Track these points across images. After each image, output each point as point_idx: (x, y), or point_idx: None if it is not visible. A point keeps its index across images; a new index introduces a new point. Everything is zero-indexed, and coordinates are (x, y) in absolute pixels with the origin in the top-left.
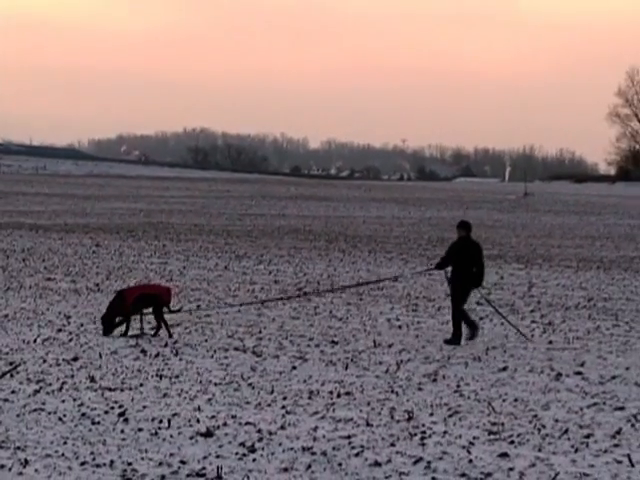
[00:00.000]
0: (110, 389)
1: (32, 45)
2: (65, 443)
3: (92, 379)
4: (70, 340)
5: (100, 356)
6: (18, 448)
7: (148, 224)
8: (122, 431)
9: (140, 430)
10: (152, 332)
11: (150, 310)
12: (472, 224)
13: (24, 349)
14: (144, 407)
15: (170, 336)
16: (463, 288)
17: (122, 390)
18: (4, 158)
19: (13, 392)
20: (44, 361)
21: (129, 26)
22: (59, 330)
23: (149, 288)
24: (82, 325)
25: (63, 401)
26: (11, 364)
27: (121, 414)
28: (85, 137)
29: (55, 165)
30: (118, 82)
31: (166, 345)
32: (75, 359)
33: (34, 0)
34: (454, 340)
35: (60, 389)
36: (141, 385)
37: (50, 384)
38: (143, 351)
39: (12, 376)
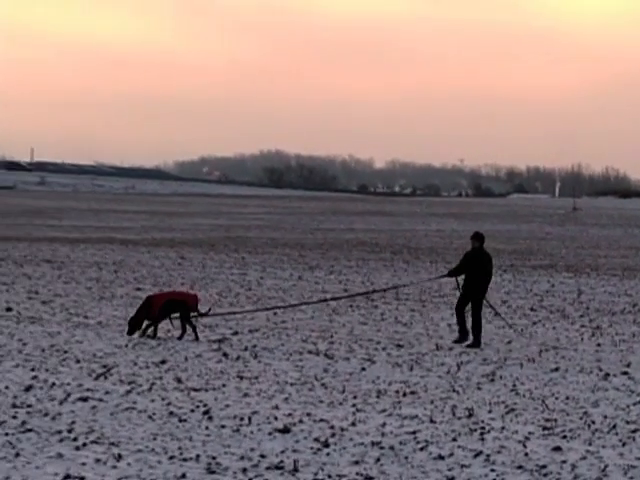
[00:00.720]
0: (195, 389)
1: (123, 77)
2: (155, 439)
3: (179, 380)
4: (158, 345)
5: (186, 359)
6: (112, 444)
7: (228, 238)
8: (207, 428)
9: (223, 427)
10: (178, 335)
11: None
12: (485, 236)
13: (116, 353)
14: (227, 406)
15: (196, 339)
16: (473, 294)
17: (206, 390)
18: (97, 179)
19: (107, 393)
20: (135, 364)
21: (210, 60)
22: (148, 335)
23: (176, 295)
24: (169, 331)
25: (152, 400)
26: (105, 367)
27: (206, 412)
28: (170, 159)
29: (143, 185)
30: (201, 109)
31: (246, 349)
32: (163, 362)
33: (124, 36)
34: (475, 344)
35: (150, 389)
36: (224, 386)
37: (140, 385)
38: (225, 354)
39: (106, 378)
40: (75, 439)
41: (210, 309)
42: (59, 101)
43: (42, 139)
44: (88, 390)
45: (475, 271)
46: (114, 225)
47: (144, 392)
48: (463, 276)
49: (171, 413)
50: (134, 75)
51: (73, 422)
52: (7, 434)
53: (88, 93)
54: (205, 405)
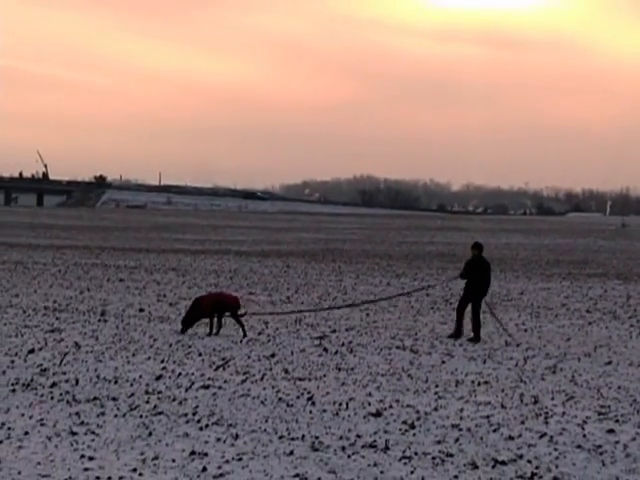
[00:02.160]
0: (300, 379)
1: (238, 112)
2: (266, 421)
3: (286, 371)
4: (268, 341)
5: (292, 353)
6: (230, 425)
7: (327, 250)
8: (310, 412)
9: (324, 411)
10: (242, 334)
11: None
12: (483, 245)
13: (233, 348)
14: (327, 393)
15: (245, 335)
16: (474, 296)
17: (310, 380)
18: (215, 199)
19: (225, 382)
20: (249, 357)
21: (312, 97)
22: (259, 333)
23: (222, 296)
24: (277, 329)
25: (264, 388)
26: (223, 359)
27: (309, 398)
28: (277, 182)
29: (254, 204)
30: (303, 140)
31: (343, 344)
32: (273, 355)
33: (240, 77)
34: (475, 340)
35: (262, 379)
36: (324, 376)
37: (254, 375)
38: (325, 349)
39: (224, 369)
40: (199, 421)
41: (246, 312)
42: (183, 132)
43: (168, 165)
44: (209, 379)
45: (475, 277)
46: (230, 238)
47: (257, 381)
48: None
49: (280, 399)
50: (247, 110)
51: (197, 406)
52: (141, 416)
53: (208, 126)
54: (309, 392)
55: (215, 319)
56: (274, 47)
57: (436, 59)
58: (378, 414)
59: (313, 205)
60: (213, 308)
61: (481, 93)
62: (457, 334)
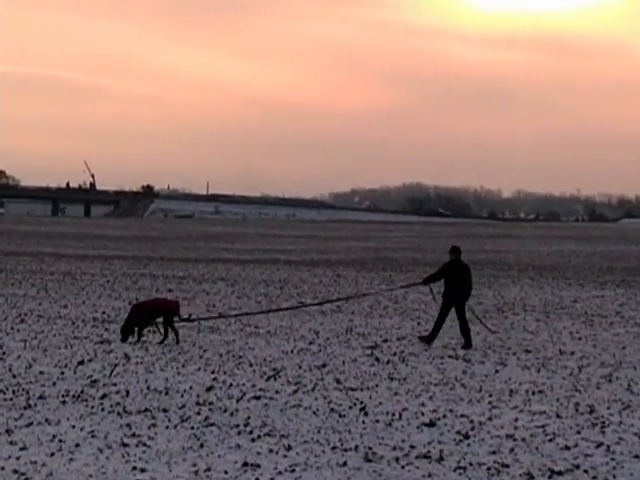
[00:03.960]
0: (352, 389)
1: (284, 120)
2: (319, 432)
3: (338, 381)
4: (319, 350)
5: (343, 363)
6: (282, 436)
7: (377, 258)
8: (363, 422)
9: (377, 421)
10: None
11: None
12: (461, 249)
13: (284, 358)
14: (380, 403)
15: (177, 342)
16: (451, 301)
17: (362, 390)
18: (264, 208)
19: (277, 392)
20: (299, 367)
21: (360, 106)
22: (310, 342)
23: (160, 302)
24: (328, 339)
25: (316, 399)
26: (274, 370)
27: (362, 409)
28: (326, 191)
29: (303, 213)
30: (352, 148)
31: (395, 354)
32: (324, 365)
33: (287, 87)
34: (467, 345)
35: (313, 389)
36: (377, 386)
37: (305, 385)
38: (377, 359)
39: (275, 379)
40: (251, 432)
41: (190, 315)
42: (231, 141)
43: (216, 174)
44: (261, 390)
45: (454, 281)
46: (279, 248)
47: (308, 391)
48: (443, 286)
49: (332, 409)
50: (295, 118)
51: (248, 417)
52: (193, 428)
53: (256, 134)
54: (361, 402)
55: (153, 326)
56: (322, 53)
57: (485, 64)
58: (432, 424)
59: (362, 213)
60: (150, 314)
61: (531, 98)
62: (429, 339)
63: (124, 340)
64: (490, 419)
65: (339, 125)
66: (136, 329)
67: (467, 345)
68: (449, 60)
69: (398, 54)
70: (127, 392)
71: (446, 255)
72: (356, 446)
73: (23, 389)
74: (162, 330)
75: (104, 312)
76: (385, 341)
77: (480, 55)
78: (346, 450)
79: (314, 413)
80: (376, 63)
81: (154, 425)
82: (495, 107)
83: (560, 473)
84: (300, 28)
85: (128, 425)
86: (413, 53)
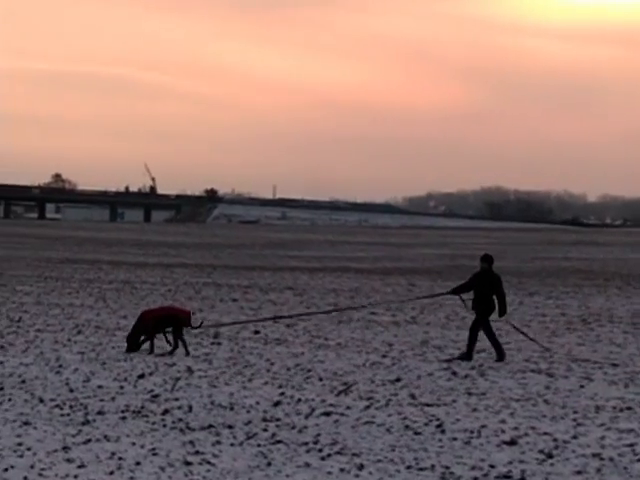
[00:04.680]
0: (428, 405)
1: (352, 121)
2: (393, 450)
3: (413, 396)
4: (393, 364)
5: (418, 377)
6: (354, 454)
7: (453, 267)
8: (440, 440)
9: (455, 439)
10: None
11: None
12: (494, 257)
13: (355, 372)
14: (457, 420)
15: (187, 354)
16: (485, 314)
17: (438, 405)
18: (333, 213)
19: (348, 408)
20: (372, 381)
21: (436, 104)
22: (383, 356)
23: (169, 310)
24: (402, 351)
25: (389, 415)
26: (345, 384)
27: (438, 426)
28: (399, 195)
29: (375, 218)
30: (427, 150)
31: (473, 368)
32: (398, 380)
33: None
34: (500, 357)
35: (386, 405)
36: (454, 401)
37: (378, 401)
38: (454, 373)
39: (346, 394)
40: (320, 450)
41: (202, 323)
42: (299, 143)
43: (283, 177)
44: (331, 405)
45: (484, 292)
46: (349, 255)
47: (382, 407)
48: (472, 296)
49: (407, 426)
50: (367, 119)
51: (318, 434)
52: (259, 445)
53: (325, 136)
54: (438, 419)
55: (164, 336)
56: (396, 51)
57: (570, 60)
58: (513, 442)
59: (438, 218)
60: (158, 323)
61: (619, 95)
62: (467, 356)
63: (129, 350)
64: (575, 437)
65: (414, 126)
66: (142, 339)
67: (500, 357)
68: (531, 56)
69: (477, 50)
70: (190, 407)
71: (528, 264)
72: (432, 465)
73: (81, 404)
74: (171, 340)
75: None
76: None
77: (564, 50)
78: (422, 469)
79: (387, 430)
80: (454, 60)
81: (218, 442)
82: (580, 106)
83: None
84: (373, 24)
85: (191, 442)
86: (493, 49)
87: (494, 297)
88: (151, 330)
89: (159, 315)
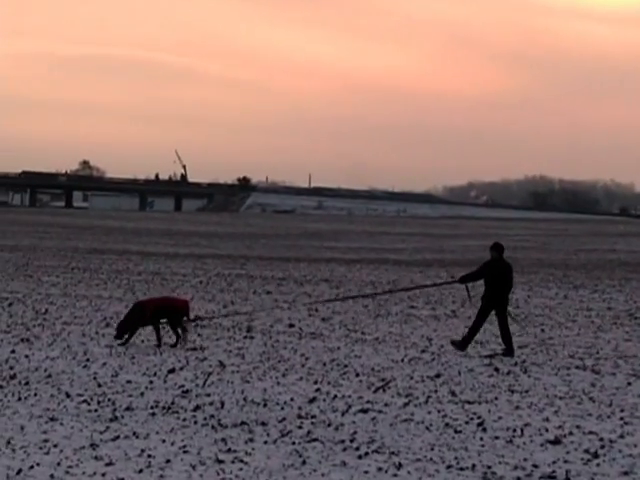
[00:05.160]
0: (469, 402)
1: (392, 107)
2: (432, 449)
3: (453, 393)
4: (432, 359)
5: (459, 373)
6: (392, 453)
7: None
8: (481, 439)
9: (497, 438)
10: (172, 342)
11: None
12: (504, 246)
13: (393, 367)
14: (499, 418)
15: (175, 345)
16: (490, 304)
17: (479, 403)
18: (371, 203)
19: (386, 405)
20: (411, 378)
21: (478, 89)
22: (422, 351)
23: (166, 300)
24: (442, 347)
25: (429, 412)
26: (383, 380)
27: (480, 424)
28: (440, 184)
29: (414, 208)
30: (468, 137)
31: (516, 364)
32: (437, 376)
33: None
34: (508, 352)
35: (426, 402)
36: (496, 399)
37: (417, 398)
38: (496, 369)
39: (384, 391)
40: (357, 448)
41: (197, 317)
42: (336, 130)
43: (320, 165)
44: (368, 402)
45: (494, 281)
46: (387, 246)
47: (421, 404)
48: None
49: (447, 424)
50: (407, 105)
51: (355, 432)
52: (294, 443)
53: (363, 122)
54: (479, 417)
55: (155, 329)
56: (438, 36)
57: (619, 46)
58: (557, 441)
59: (480, 209)
60: (155, 314)
61: None
62: (464, 344)
63: (118, 337)
64: (622, 437)
65: (455, 112)
66: (130, 333)
67: (508, 352)
68: (579, 41)
69: (519, 34)
70: (222, 403)
71: (573, 256)
72: (473, 465)
73: (109, 399)
74: (171, 332)
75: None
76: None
77: (613, 34)
78: (462, 469)
79: (427, 428)
80: (497, 44)
81: (251, 440)
82: (628, 92)
83: None
84: (414, 7)
85: (223, 440)
86: (538, 33)
87: (504, 287)
88: (148, 321)
89: (156, 305)
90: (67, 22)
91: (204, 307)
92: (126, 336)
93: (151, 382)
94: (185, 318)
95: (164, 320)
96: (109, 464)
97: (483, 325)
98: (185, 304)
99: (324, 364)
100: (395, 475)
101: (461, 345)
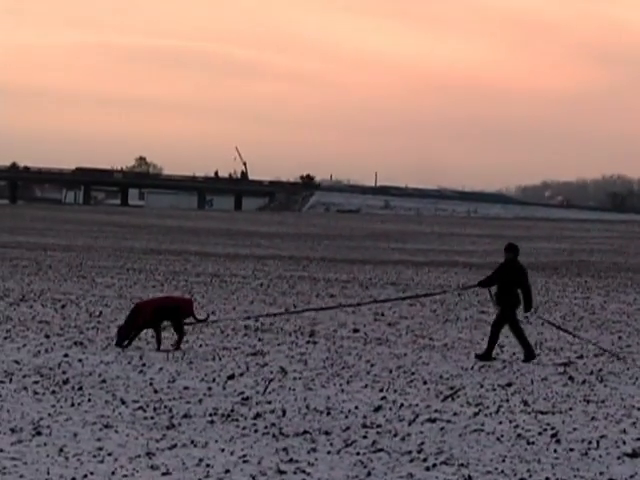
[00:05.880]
0: (542, 412)
1: (464, 103)
2: (503, 461)
3: (525, 403)
4: (504, 367)
5: (532, 382)
6: (462, 465)
7: (570, 262)
8: (555, 451)
9: (571, 450)
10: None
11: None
12: (519, 247)
13: (463, 375)
14: (574, 429)
15: (177, 348)
16: (510, 309)
17: (553, 413)
18: (440, 202)
19: (455, 414)
20: (481, 386)
21: (550, 85)
22: (493, 358)
23: (168, 300)
24: (514, 354)
25: (500, 423)
26: (452, 388)
27: (553, 435)
28: (512, 184)
29: (485, 209)
30: (542, 135)
31: (592, 373)
32: (509, 384)
33: (462, 63)
34: (529, 356)
35: (497, 412)
36: (570, 409)
37: (488, 407)
38: (571, 378)
39: (453, 399)
40: (425, 459)
41: (209, 316)
42: (404, 126)
43: (386, 163)
44: (436, 411)
45: (508, 284)
46: (457, 248)
47: (491, 414)
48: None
49: (519, 435)
50: (477, 101)
51: (422, 443)
52: (358, 453)
53: (432, 119)
54: (553, 428)
55: (155, 331)
56: (511, 26)
57: None
58: (635, 455)
59: (554, 210)
60: (157, 314)
61: None
62: (487, 356)
63: (118, 344)
64: None
65: (529, 109)
66: (158, 332)
67: (529, 356)
68: None
69: (604, 28)
70: (283, 411)
71: None
72: (547, 478)
73: (166, 406)
74: (175, 334)
75: (257, 320)
76: (580, 357)
77: None
78: None
79: (498, 439)
80: (576, 39)
81: (314, 450)
82: None
83: None
84: None
85: (285, 449)
86: (621, 28)
87: (519, 291)
88: (150, 323)
89: (158, 305)
90: (125, 13)
91: (265, 310)
92: (127, 342)
93: (210, 388)
94: (193, 319)
95: (167, 322)
96: (166, 473)
97: (501, 331)
98: (189, 303)
99: (390, 371)
100: None
101: (485, 356)
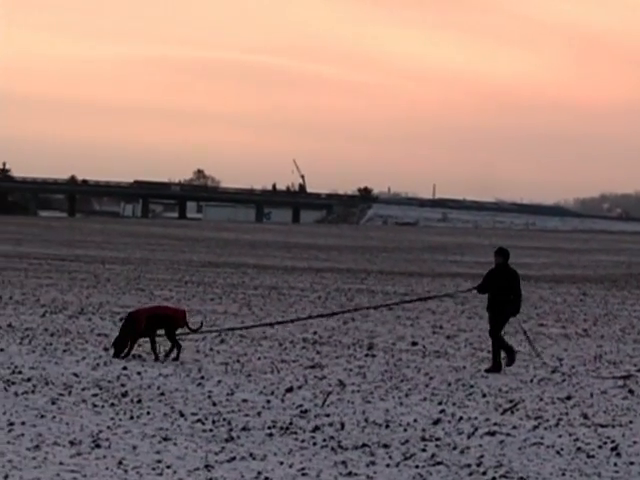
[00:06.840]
0: (602, 425)
1: (521, 116)
2: (563, 474)
3: (585, 416)
4: (563, 380)
5: (591, 395)
6: (521, 478)
7: (630, 275)
8: (615, 464)
9: (632, 464)
10: (164, 354)
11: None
12: (509, 251)
13: (522, 388)
14: (634, 442)
15: (177, 358)
16: (501, 315)
17: (613, 427)
18: (498, 215)
19: (514, 427)
20: (540, 399)
21: (609, 97)
22: (552, 371)
23: (160, 309)
24: (573, 367)
25: (560, 436)
26: (511, 402)
27: (613, 449)
28: (570, 196)
29: (543, 221)
30: (601, 147)
31: None
32: (569, 398)
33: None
34: (494, 368)
35: (556, 425)
36: (631, 422)
37: (547, 420)
38: (631, 391)
39: (512, 413)
40: (484, 473)
41: (202, 324)
42: (462, 139)
43: (444, 176)
44: (495, 424)
45: (499, 289)
46: (515, 261)
47: (551, 427)
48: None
49: (579, 449)
50: (536, 113)
51: (481, 456)
52: (417, 466)
53: (490, 131)
54: (613, 441)
55: (150, 340)
56: (569, 40)
57: None
58: None
59: (613, 222)
60: (150, 324)
61: None
62: (496, 367)
63: (116, 356)
64: None
65: (587, 121)
66: (153, 342)
67: (494, 369)
68: None
69: None
70: (342, 424)
71: None
72: None
73: (224, 419)
74: (169, 344)
75: (315, 332)
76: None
77: None
78: None
79: (558, 453)
80: (631, 50)
81: (373, 463)
82: None
83: None
84: (545, 9)
85: (343, 462)
86: None
87: (511, 296)
88: (143, 332)
89: (151, 314)
90: (179, 25)
91: (323, 324)
92: (125, 351)
93: (268, 401)
94: (187, 329)
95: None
96: None
97: (503, 337)
98: (182, 313)
99: (449, 384)
100: None
101: (495, 368)
